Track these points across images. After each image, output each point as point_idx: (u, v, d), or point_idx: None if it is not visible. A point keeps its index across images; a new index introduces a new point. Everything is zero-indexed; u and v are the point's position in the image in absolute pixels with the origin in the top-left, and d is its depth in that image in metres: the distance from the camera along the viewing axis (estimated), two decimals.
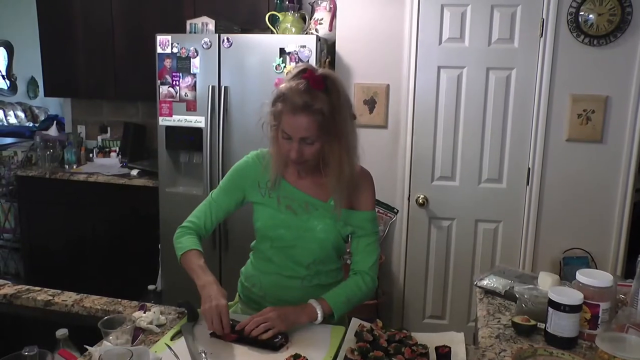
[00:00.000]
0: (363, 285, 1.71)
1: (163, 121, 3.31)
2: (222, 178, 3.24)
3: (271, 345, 1.46)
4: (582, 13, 2.95)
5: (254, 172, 1.74)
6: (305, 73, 1.55)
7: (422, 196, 3.32)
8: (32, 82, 8.15)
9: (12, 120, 7.64)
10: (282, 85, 1.58)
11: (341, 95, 1.58)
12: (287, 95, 1.53)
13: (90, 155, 4.27)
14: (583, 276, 1.54)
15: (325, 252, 1.73)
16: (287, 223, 1.69)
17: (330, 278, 1.77)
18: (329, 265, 1.76)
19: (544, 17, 3.01)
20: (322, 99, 1.52)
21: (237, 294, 1.90)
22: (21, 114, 7.83)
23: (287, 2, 3.30)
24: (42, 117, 7.48)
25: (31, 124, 7.38)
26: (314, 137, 1.55)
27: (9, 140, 4.99)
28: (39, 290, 1.84)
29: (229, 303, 1.85)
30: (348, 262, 1.80)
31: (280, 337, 1.49)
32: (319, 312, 1.59)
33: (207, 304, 1.52)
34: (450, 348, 1.42)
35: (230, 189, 1.78)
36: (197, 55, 3.19)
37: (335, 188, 1.64)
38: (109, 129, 4.39)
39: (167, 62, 3.23)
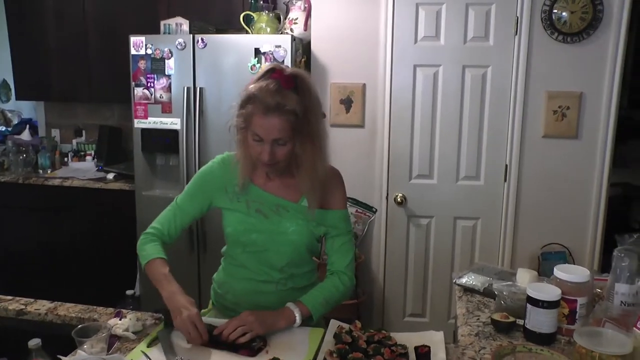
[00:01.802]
0: (340, 285, 1.70)
1: (138, 123, 3.27)
2: None
3: (249, 349, 1.45)
4: (555, 11, 2.98)
5: (221, 177, 1.71)
6: (274, 73, 1.53)
7: (400, 195, 3.32)
8: (3, 85, 7.96)
9: None
10: (251, 86, 1.54)
11: (312, 94, 1.56)
12: (258, 96, 1.50)
13: (65, 159, 4.20)
14: (560, 272, 1.55)
15: (298, 254, 1.71)
16: (258, 227, 1.66)
17: (305, 280, 1.75)
18: (303, 268, 1.75)
19: (518, 15, 3.03)
20: (293, 99, 1.50)
21: (210, 301, 1.87)
22: None
23: (261, 2, 3.28)
24: (15, 121, 7.33)
25: (4, 128, 7.23)
26: (286, 138, 1.52)
27: None
28: (10, 300, 1.80)
29: (203, 311, 1.83)
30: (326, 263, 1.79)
31: (258, 340, 1.47)
32: (297, 315, 1.57)
33: (179, 316, 1.49)
34: (429, 347, 1.42)
35: (196, 194, 1.74)
36: (172, 56, 3.15)
37: (308, 189, 1.62)
38: (83, 132, 4.33)
39: (142, 64, 3.19)
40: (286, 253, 1.68)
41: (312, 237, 1.70)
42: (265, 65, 1.56)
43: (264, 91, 1.49)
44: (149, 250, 1.68)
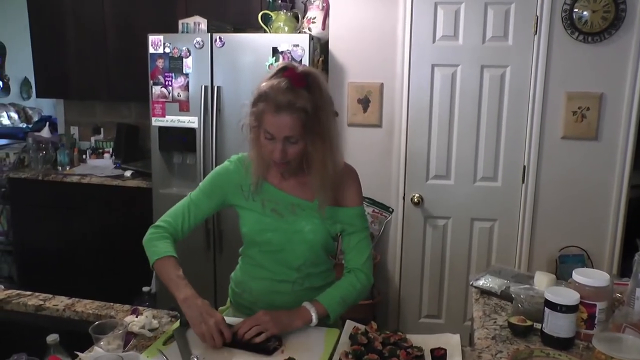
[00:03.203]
0: (357, 284, 1.68)
1: (156, 122, 3.29)
2: None
3: (265, 349, 1.44)
4: (576, 10, 2.94)
5: (236, 176, 1.71)
6: (286, 71, 1.52)
7: (417, 195, 3.30)
8: (25, 82, 8.10)
9: (5, 121, 7.59)
10: (263, 85, 1.54)
11: (323, 92, 1.55)
12: (270, 95, 1.50)
13: (84, 156, 4.24)
14: (579, 276, 1.53)
15: (315, 253, 1.70)
16: (273, 226, 1.66)
17: (322, 280, 1.74)
18: (320, 267, 1.74)
19: (538, 14, 3.00)
20: (305, 97, 1.49)
21: (229, 299, 1.87)
22: (14, 115, 7.77)
23: (279, 1, 3.28)
24: (35, 118, 7.43)
25: (24, 125, 7.33)
26: (297, 136, 1.52)
27: (1, 141, 4.95)
28: (29, 295, 1.82)
29: (220, 308, 1.84)
30: (343, 262, 1.78)
31: (273, 340, 1.47)
32: (313, 314, 1.56)
33: (203, 324, 1.46)
34: (445, 350, 1.41)
35: (210, 192, 1.73)
36: (190, 55, 3.16)
37: (319, 187, 1.62)
38: (102, 129, 4.36)
39: (160, 63, 3.20)
40: (302, 252, 1.68)
41: (328, 235, 1.69)
42: (277, 64, 1.56)
43: (275, 89, 1.50)
44: (159, 246, 1.67)
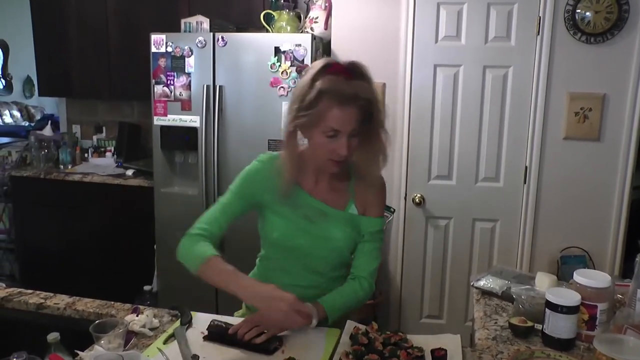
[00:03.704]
0: (360, 292, 1.67)
1: (158, 121, 3.29)
2: (217, 178, 3.25)
3: (265, 349, 1.44)
4: (579, 11, 2.93)
5: (268, 176, 1.64)
6: (332, 67, 1.50)
7: (418, 195, 3.30)
8: (27, 81, 8.13)
9: (8, 119, 7.62)
10: (317, 83, 1.48)
11: (372, 80, 1.54)
12: (333, 90, 1.46)
13: (86, 155, 4.24)
14: (580, 277, 1.53)
15: (342, 259, 1.70)
16: (304, 232, 1.63)
17: (343, 282, 1.71)
18: (342, 270, 1.73)
19: (541, 14, 2.99)
20: (364, 87, 1.49)
21: (244, 304, 1.79)
22: (17, 114, 7.80)
23: (282, 1, 3.28)
24: (38, 117, 7.45)
25: (27, 124, 7.35)
26: (358, 129, 1.50)
27: (3, 140, 4.96)
28: (30, 293, 1.82)
29: (236, 313, 1.80)
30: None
31: (274, 340, 1.47)
32: (314, 317, 1.54)
33: (279, 310, 1.43)
34: (446, 351, 1.41)
35: (242, 192, 1.67)
36: (192, 54, 3.16)
37: (362, 190, 1.64)
38: (104, 128, 4.37)
39: (162, 62, 3.21)
40: (331, 259, 1.67)
41: (356, 243, 1.68)
42: (314, 65, 1.50)
43: (336, 83, 1.46)
44: (200, 249, 1.56)
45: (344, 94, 1.45)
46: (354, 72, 1.49)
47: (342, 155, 1.51)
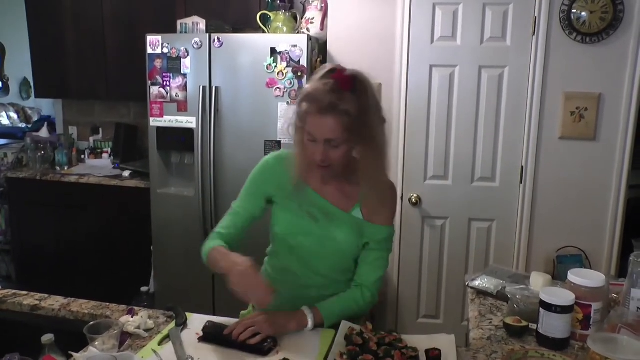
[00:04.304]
0: (361, 301, 1.67)
1: (154, 122, 3.29)
2: (214, 179, 3.27)
3: (260, 350, 1.45)
4: (574, 11, 2.94)
5: (277, 172, 1.68)
6: (334, 73, 1.50)
7: (415, 195, 3.30)
8: (24, 82, 8.10)
9: (5, 121, 7.59)
10: (308, 85, 1.53)
11: (370, 96, 1.52)
12: (313, 95, 1.48)
13: (82, 156, 4.24)
14: (575, 276, 1.53)
15: (345, 262, 1.69)
16: (307, 230, 1.64)
17: (347, 287, 1.70)
18: (347, 275, 1.72)
19: (536, 15, 3.00)
20: (349, 100, 1.46)
21: (250, 304, 1.80)
22: (14, 115, 7.78)
23: (278, 2, 3.28)
24: (35, 118, 7.44)
25: (24, 125, 7.33)
26: (340, 139, 1.49)
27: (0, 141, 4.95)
28: (25, 295, 1.82)
29: (242, 312, 1.81)
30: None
31: (269, 341, 1.47)
32: (310, 321, 1.55)
33: (232, 276, 1.45)
34: (440, 351, 1.41)
35: (254, 190, 1.71)
36: (188, 55, 3.16)
37: (367, 196, 1.60)
38: (100, 129, 4.37)
39: (158, 63, 3.21)
40: (333, 260, 1.67)
41: (358, 246, 1.67)
42: (325, 66, 1.55)
43: (319, 90, 1.48)
44: (210, 244, 1.64)
45: (320, 102, 1.46)
46: (348, 83, 1.48)
47: (317, 160, 1.52)
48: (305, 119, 1.51)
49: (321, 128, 1.48)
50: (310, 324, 1.55)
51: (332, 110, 1.46)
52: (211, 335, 1.52)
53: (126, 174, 3.79)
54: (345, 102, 1.46)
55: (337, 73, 1.50)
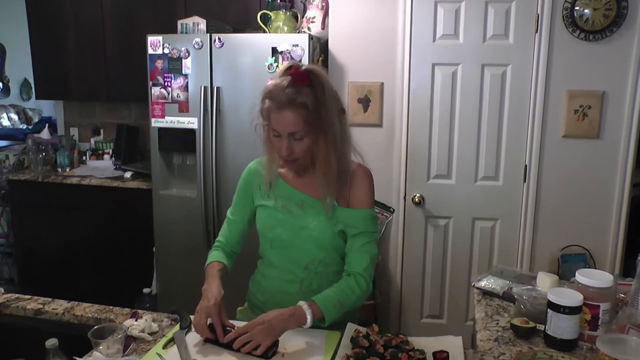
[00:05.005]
0: (357, 288, 1.64)
1: (155, 123, 3.27)
2: (216, 180, 3.26)
3: (264, 355, 1.43)
4: (577, 8, 2.92)
5: (256, 176, 1.78)
6: (291, 70, 1.57)
7: (418, 195, 3.29)
8: (25, 84, 8.09)
9: (5, 122, 7.58)
10: (269, 83, 1.60)
11: (326, 88, 1.58)
12: (273, 92, 1.56)
13: (83, 157, 4.23)
14: (582, 276, 1.52)
15: (323, 252, 1.70)
16: (283, 222, 1.70)
17: (332, 283, 1.68)
18: (330, 268, 1.72)
19: (539, 12, 2.98)
20: (306, 93, 1.54)
21: (247, 301, 1.92)
22: (14, 117, 7.77)
23: (279, 1, 3.27)
24: (36, 120, 7.43)
25: (25, 127, 7.32)
26: (301, 132, 1.57)
27: (1, 143, 4.94)
28: (28, 299, 1.80)
29: (239, 308, 1.90)
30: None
31: (271, 346, 1.45)
32: (308, 316, 1.51)
33: (199, 305, 1.57)
34: (448, 353, 1.40)
35: (241, 200, 1.83)
36: (189, 55, 3.15)
37: (322, 184, 1.64)
38: (102, 131, 4.36)
39: (159, 63, 3.19)
40: (309, 249, 1.69)
41: (334, 234, 1.68)
42: (285, 64, 1.64)
43: (278, 87, 1.56)
44: (209, 257, 1.79)
45: (279, 98, 1.55)
46: (303, 78, 1.55)
47: (284, 155, 1.60)
48: (268, 115, 1.60)
49: (283, 122, 1.56)
50: (309, 320, 1.51)
51: (290, 104, 1.54)
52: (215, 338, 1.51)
53: (128, 175, 3.77)
54: (303, 95, 1.54)
55: (294, 70, 1.57)
